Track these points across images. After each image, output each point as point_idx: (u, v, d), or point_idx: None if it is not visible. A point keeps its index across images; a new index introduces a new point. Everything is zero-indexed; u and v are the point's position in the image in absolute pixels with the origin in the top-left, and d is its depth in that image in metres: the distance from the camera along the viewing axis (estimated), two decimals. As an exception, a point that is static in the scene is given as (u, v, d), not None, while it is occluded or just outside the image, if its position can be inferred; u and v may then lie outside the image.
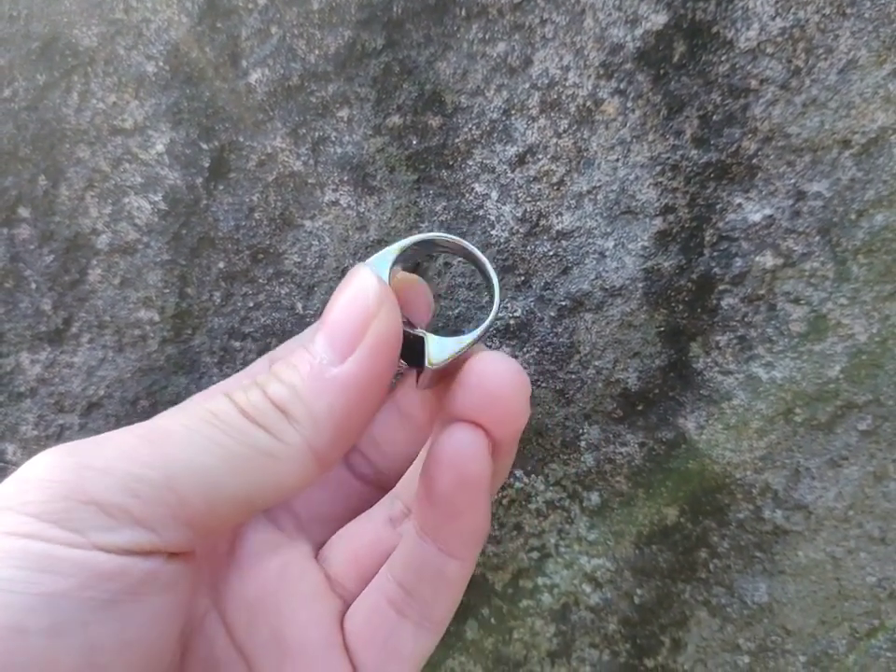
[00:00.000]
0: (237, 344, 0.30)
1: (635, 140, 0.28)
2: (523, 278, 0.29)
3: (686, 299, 0.28)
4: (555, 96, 0.28)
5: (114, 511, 0.17)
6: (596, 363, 0.29)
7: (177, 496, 0.17)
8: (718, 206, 0.28)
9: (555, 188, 0.28)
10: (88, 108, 0.29)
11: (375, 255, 0.21)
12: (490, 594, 0.30)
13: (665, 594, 0.30)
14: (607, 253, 0.28)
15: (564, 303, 0.29)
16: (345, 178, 0.29)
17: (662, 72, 0.27)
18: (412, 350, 0.21)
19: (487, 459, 0.21)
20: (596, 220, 0.28)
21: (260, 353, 0.31)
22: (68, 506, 0.16)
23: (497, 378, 0.20)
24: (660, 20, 0.27)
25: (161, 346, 0.30)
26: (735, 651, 0.30)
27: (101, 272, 0.30)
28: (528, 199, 0.28)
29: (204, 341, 0.30)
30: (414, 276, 0.24)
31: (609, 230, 0.28)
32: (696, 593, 0.30)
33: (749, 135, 0.27)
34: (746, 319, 0.28)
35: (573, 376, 0.29)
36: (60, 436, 0.31)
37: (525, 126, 0.28)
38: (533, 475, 0.30)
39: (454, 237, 0.22)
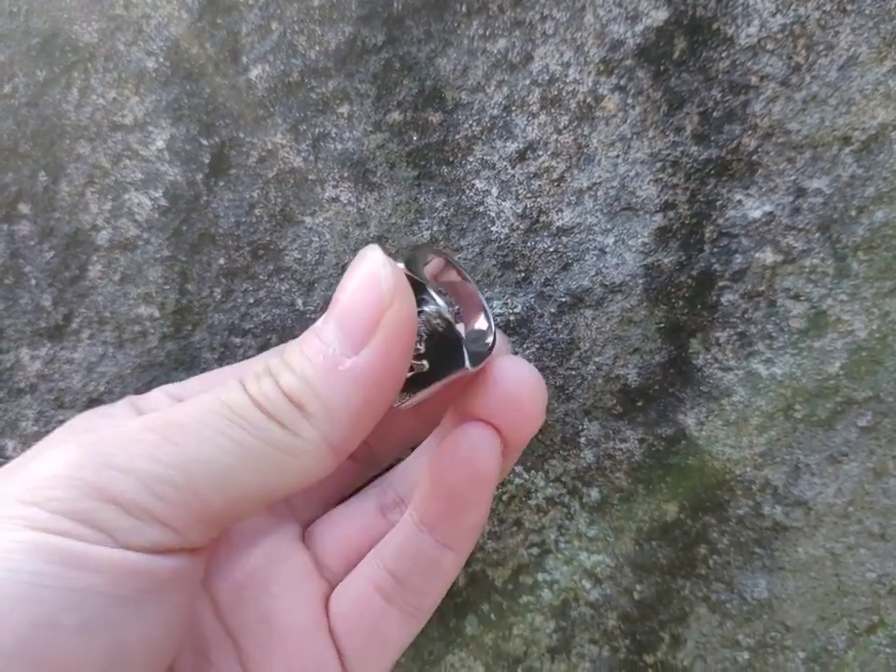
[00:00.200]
0: (237, 341, 0.31)
1: (635, 136, 0.28)
2: (523, 274, 0.29)
3: (686, 295, 0.28)
4: (556, 92, 0.28)
5: (137, 513, 0.17)
6: (596, 359, 0.29)
7: (199, 497, 0.17)
8: (718, 203, 0.28)
9: (556, 184, 0.28)
10: (88, 104, 0.29)
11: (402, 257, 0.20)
12: (490, 590, 0.30)
13: (664, 590, 0.30)
14: (607, 249, 0.28)
15: (564, 300, 0.29)
16: (346, 175, 0.29)
17: (662, 68, 0.27)
18: (438, 347, 0.20)
19: (499, 459, 0.21)
20: (597, 217, 0.28)
21: (261, 349, 0.31)
22: (93, 506, 0.16)
23: (519, 383, 0.21)
24: (660, 16, 0.27)
25: (162, 342, 0.30)
26: (735, 647, 0.30)
27: (101, 268, 0.30)
28: (529, 195, 0.28)
29: (205, 337, 0.31)
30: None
31: (609, 226, 0.28)
32: (696, 589, 0.30)
33: (750, 132, 0.27)
34: (746, 316, 0.28)
35: (573, 372, 0.29)
36: (60, 432, 0.31)
37: (526, 122, 0.28)
38: (533, 471, 0.30)
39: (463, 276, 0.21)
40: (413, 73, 0.28)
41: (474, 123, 0.28)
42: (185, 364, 0.31)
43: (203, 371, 0.30)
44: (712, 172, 0.28)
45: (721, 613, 0.30)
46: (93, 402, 0.31)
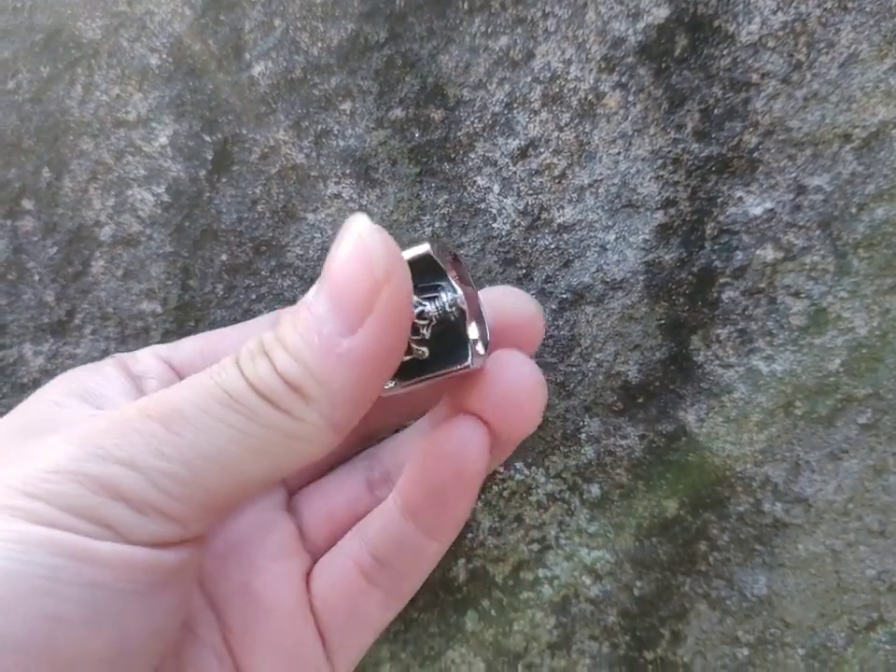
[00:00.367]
0: (239, 337, 0.31)
1: (636, 134, 0.28)
2: (524, 271, 0.29)
3: (687, 292, 0.28)
4: (557, 90, 0.28)
5: (144, 509, 0.17)
6: (597, 356, 0.29)
7: (205, 490, 0.17)
8: (719, 200, 0.28)
9: (557, 181, 0.28)
10: (91, 100, 0.29)
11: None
12: (490, 585, 0.31)
13: (664, 586, 0.30)
14: (608, 246, 0.28)
15: (565, 296, 0.29)
16: (348, 171, 0.29)
17: (663, 66, 0.27)
18: (444, 337, 0.20)
19: (486, 458, 0.20)
20: (598, 213, 0.28)
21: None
22: (99, 502, 0.16)
23: (518, 380, 0.20)
24: (662, 13, 0.27)
25: (164, 338, 0.31)
26: (735, 643, 0.30)
27: (104, 263, 0.30)
28: (530, 192, 0.28)
29: (207, 333, 0.31)
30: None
31: (610, 223, 0.28)
32: (696, 585, 0.30)
33: (751, 129, 0.27)
34: (746, 312, 0.28)
35: (574, 369, 0.29)
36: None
37: (527, 119, 0.28)
38: (534, 467, 0.30)
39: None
40: (415, 70, 0.28)
41: (476, 120, 0.28)
42: (187, 360, 0.31)
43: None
44: (713, 169, 0.28)
45: (720, 610, 0.30)
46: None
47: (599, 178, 0.28)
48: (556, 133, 0.28)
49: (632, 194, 0.28)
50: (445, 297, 0.20)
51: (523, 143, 0.28)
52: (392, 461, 0.26)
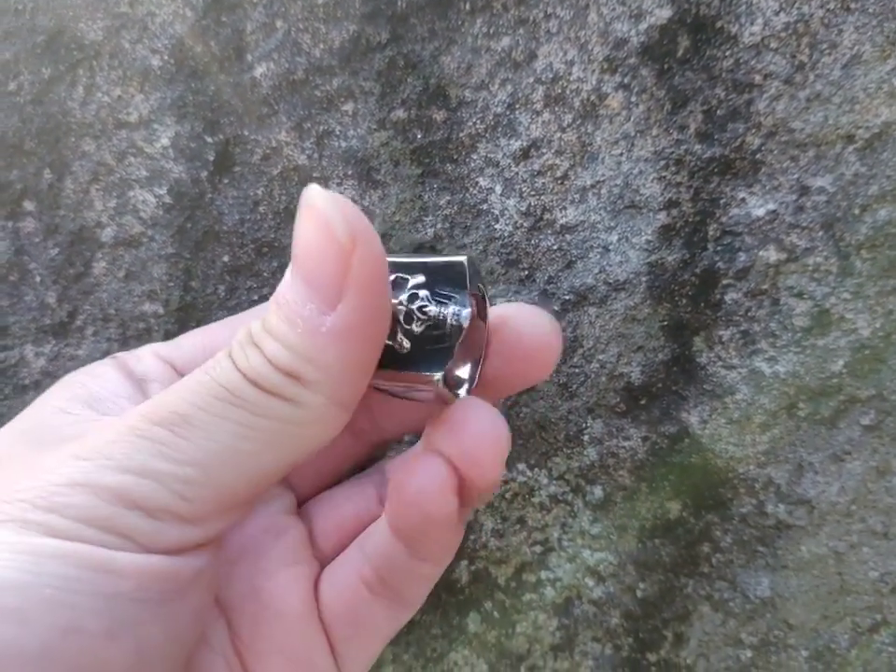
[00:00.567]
0: (241, 338, 0.31)
1: (639, 135, 0.28)
2: (526, 272, 0.29)
3: (689, 293, 0.28)
4: (559, 91, 0.28)
5: (159, 514, 0.16)
6: (600, 357, 0.29)
7: (220, 489, 0.17)
8: (721, 201, 0.28)
9: (559, 182, 0.28)
10: (93, 102, 0.29)
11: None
12: (493, 587, 0.31)
13: (667, 588, 0.30)
14: (610, 247, 0.28)
15: (567, 297, 0.29)
16: (350, 172, 0.29)
17: (666, 67, 0.27)
18: (431, 340, 0.19)
19: (450, 499, 0.20)
20: (600, 214, 0.28)
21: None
22: (115, 512, 0.16)
23: (481, 434, 0.20)
24: (664, 14, 0.27)
25: (166, 339, 0.30)
26: (738, 645, 0.30)
27: (105, 265, 0.30)
28: (532, 193, 0.28)
29: (208, 334, 0.31)
30: None
31: (612, 224, 0.28)
32: (699, 587, 0.30)
33: (753, 130, 0.27)
34: (749, 314, 0.28)
35: (576, 370, 0.29)
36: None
37: (530, 120, 0.28)
38: (536, 469, 0.30)
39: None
40: (418, 71, 0.28)
41: (478, 121, 0.28)
42: (189, 361, 0.31)
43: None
44: (716, 170, 0.28)
45: (723, 612, 0.30)
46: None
47: (602, 179, 0.28)
48: (559, 134, 0.28)
49: (634, 195, 0.28)
50: (453, 308, 0.19)
51: (525, 144, 0.28)
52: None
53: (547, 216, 0.28)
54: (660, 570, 0.30)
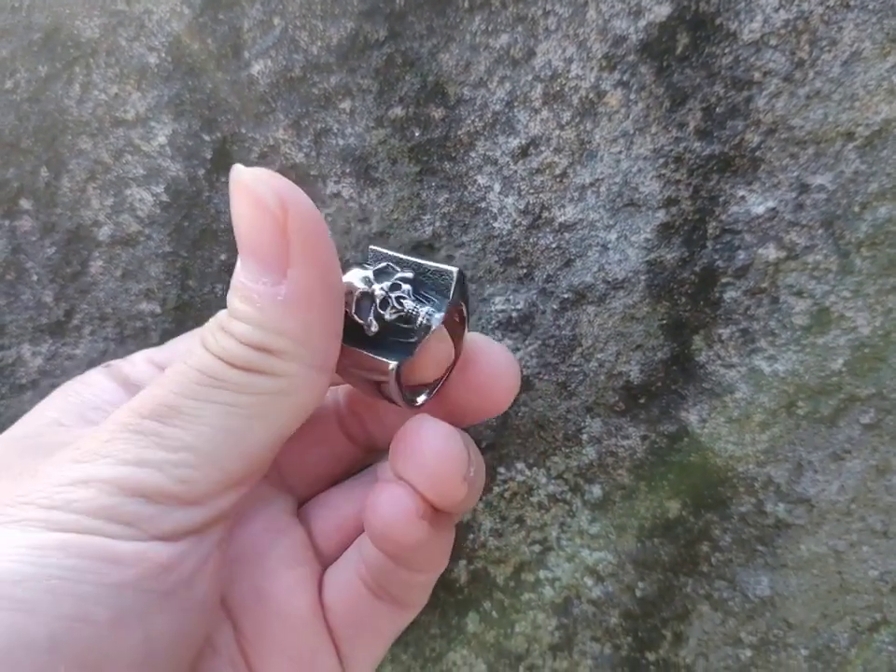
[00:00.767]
0: (239, 337, 0.30)
1: (638, 132, 0.28)
2: (525, 271, 0.29)
3: (689, 291, 0.28)
4: (558, 88, 0.28)
5: (161, 499, 0.17)
6: (599, 356, 0.29)
7: (216, 467, 0.17)
8: (721, 199, 0.28)
9: (558, 180, 0.28)
10: (90, 100, 0.29)
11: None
12: (492, 587, 0.30)
13: (666, 587, 0.30)
14: (609, 245, 0.28)
15: (566, 296, 0.29)
16: (347, 170, 0.29)
17: (665, 64, 0.27)
18: (398, 332, 0.20)
19: (419, 525, 0.20)
20: (599, 212, 0.28)
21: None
22: (116, 501, 0.16)
23: (435, 454, 0.20)
24: (663, 11, 0.27)
25: (163, 338, 0.30)
26: (737, 644, 0.30)
27: (102, 263, 0.30)
28: (531, 191, 0.28)
29: (206, 333, 0.30)
30: None
31: (611, 222, 0.28)
32: (698, 586, 0.30)
33: (753, 128, 0.27)
34: (748, 312, 0.28)
35: (575, 369, 0.29)
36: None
37: (528, 118, 0.28)
38: (535, 468, 0.30)
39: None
40: (416, 68, 0.28)
41: (476, 119, 0.28)
42: (186, 360, 0.31)
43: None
44: (715, 168, 0.27)
45: (723, 611, 0.30)
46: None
47: (601, 177, 0.28)
48: (557, 132, 0.28)
49: (633, 193, 0.28)
50: (429, 308, 0.20)
51: (523, 141, 0.28)
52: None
53: (546, 214, 0.28)
54: (659, 569, 0.30)
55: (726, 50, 0.27)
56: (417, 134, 0.28)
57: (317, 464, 0.26)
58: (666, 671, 0.30)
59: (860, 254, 0.27)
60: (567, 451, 0.30)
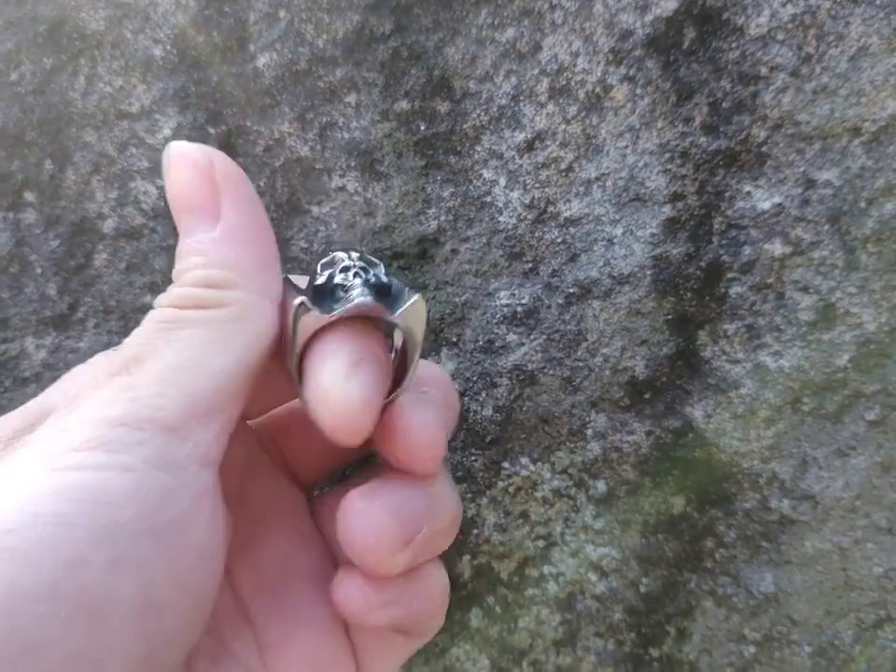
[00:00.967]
0: (243, 331, 0.30)
1: (644, 127, 0.28)
2: (530, 265, 0.29)
3: (694, 286, 0.28)
4: (564, 82, 0.28)
5: (142, 425, 0.17)
6: (604, 351, 0.29)
7: (186, 392, 0.18)
8: (727, 194, 0.28)
9: (564, 174, 0.28)
10: (95, 92, 0.29)
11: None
12: (495, 582, 0.30)
13: (670, 583, 0.30)
14: (615, 240, 0.28)
15: (571, 290, 0.29)
16: (353, 164, 0.29)
17: (671, 58, 0.27)
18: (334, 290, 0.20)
19: (370, 603, 0.21)
20: (605, 207, 0.28)
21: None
22: (101, 432, 0.17)
23: (359, 535, 0.21)
24: (670, 5, 0.27)
25: (167, 332, 0.30)
26: (741, 640, 0.30)
27: (107, 256, 0.30)
28: (536, 185, 0.28)
29: (210, 327, 0.30)
30: None
31: (617, 217, 0.28)
32: (702, 582, 0.30)
33: (759, 123, 0.27)
34: (754, 308, 0.28)
35: (580, 364, 0.29)
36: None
37: (534, 112, 0.28)
38: (539, 463, 0.30)
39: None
40: (421, 62, 0.28)
41: (482, 113, 0.28)
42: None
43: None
44: (721, 163, 0.27)
45: (727, 607, 0.30)
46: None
47: (606, 172, 0.28)
48: (563, 126, 0.28)
49: (639, 188, 0.28)
50: (368, 292, 0.20)
51: (529, 136, 0.28)
52: None
53: (551, 208, 0.28)
54: (663, 565, 0.30)
55: (733, 45, 0.27)
56: (423, 128, 0.28)
57: (325, 451, 0.26)
58: (670, 667, 0.30)
59: (865, 250, 0.27)
60: (572, 446, 0.30)
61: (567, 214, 0.28)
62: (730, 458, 0.29)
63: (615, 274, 0.28)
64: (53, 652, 0.15)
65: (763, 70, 0.27)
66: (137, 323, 0.30)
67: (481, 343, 0.29)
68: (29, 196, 0.30)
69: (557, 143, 0.28)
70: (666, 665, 0.30)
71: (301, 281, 0.22)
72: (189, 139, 0.29)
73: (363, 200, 0.29)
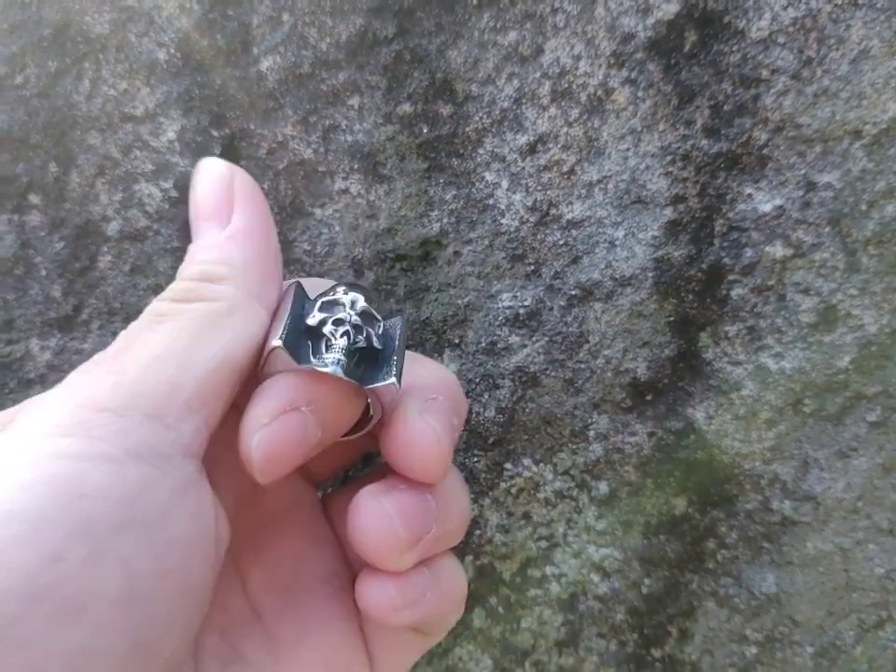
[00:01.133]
0: (246, 333, 0.31)
1: (645, 130, 0.28)
2: (532, 267, 0.29)
3: (696, 289, 0.28)
4: (566, 85, 0.28)
5: (126, 412, 0.17)
6: (606, 352, 0.29)
7: (166, 381, 0.18)
8: (728, 196, 0.28)
9: (566, 177, 0.28)
10: (99, 95, 0.29)
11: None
12: (498, 583, 0.30)
13: (672, 584, 0.30)
14: (617, 242, 0.28)
15: (574, 293, 0.29)
16: (356, 166, 0.29)
17: (673, 61, 0.27)
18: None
19: (398, 600, 0.21)
20: (607, 210, 0.28)
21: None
22: (84, 417, 0.17)
23: (366, 535, 0.21)
24: (671, 9, 0.27)
25: (171, 334, 0.30)
26: (743, 641, 0.30)
27: (111, 259, 0.30)
28: (539, 188, 0.28)
29: (214, 329, 0.31)
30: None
31: (619, 219, 0.28)
32: (704, 583, 0.30)
33: (760, 125, 0.27)
34: (755, 309, 0.28)
35: (582, 365, 0.29)
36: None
37: (536, 115, 0.28)
38: (542, 464, 0.30)
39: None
40: (424, 65, 0.28)
41: (484, 116, 0.28)
42: (194, 356, 0.31)
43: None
44: (722, 165, 0.28)
45: (729, 608, 0.30)
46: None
47: (608, 174, 0.28)
48: (565, 129, 0.28)
49: (641, 190, 0.28)
50: (341, 358, 0.20)
51: (531, 138, 0.28)
52: None
53: (553, 211, 0.28)
54: (665, 566, 0.30)
55: (734, 48, 0.27)
56: (425, 131, 0.29)
57: (340, 449, 0.26)
58: (672, 668, 0.30)
59: (866, 252, 0.27)
60: (574, 447, 0.30)
61: (569, 216, 0.28)
62: (731, 459, 0.29)
63: (617, 276, 0.28)
64: (38, 649, 0.15)
65: (765, 73, 0.27)
66: (141, 325, 0.30)
67: (483, 344, 0.29)
68: (34, 198, 0.30)
69: (559, 146, 0.28)
70: (668, 666, 0.30)
71: (316, 285, 0.22)
72: (193, 142, 0.29)
73: (366, 202, 0.29)
